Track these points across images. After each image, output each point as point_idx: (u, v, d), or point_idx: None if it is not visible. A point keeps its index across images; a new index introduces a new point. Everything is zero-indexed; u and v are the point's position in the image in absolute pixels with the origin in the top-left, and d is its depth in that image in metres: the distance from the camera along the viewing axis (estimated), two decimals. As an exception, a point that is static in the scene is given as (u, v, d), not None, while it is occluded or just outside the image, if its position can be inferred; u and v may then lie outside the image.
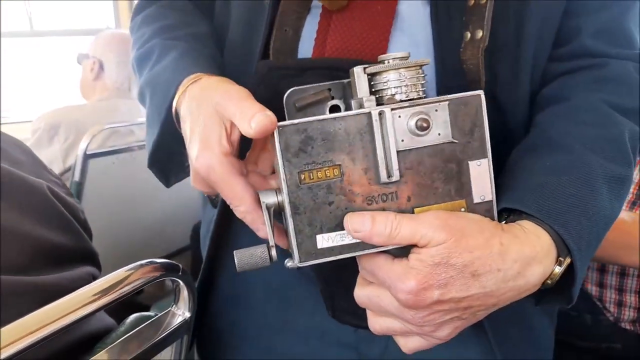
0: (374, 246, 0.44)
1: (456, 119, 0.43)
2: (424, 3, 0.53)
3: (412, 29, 0.53)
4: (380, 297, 0.45)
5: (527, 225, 0.45)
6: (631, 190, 1.04)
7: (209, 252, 0.66)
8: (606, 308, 1.11)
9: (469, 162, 0.44)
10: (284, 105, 0.50)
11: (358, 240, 0.44)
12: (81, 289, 0.43)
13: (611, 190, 0.48)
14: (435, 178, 0.44)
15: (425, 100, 0.43)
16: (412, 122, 0.42)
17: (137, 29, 0.67)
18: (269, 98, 0.49)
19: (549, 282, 0.46)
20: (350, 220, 0.43)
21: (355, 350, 0.63)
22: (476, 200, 0.45)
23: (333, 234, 0.44)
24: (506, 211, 0.47)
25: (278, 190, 0.45)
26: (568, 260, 0.45)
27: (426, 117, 0.43)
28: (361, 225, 0.42)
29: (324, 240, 0.44)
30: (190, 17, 0.66)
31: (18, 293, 0.46)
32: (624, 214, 1.00)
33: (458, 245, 0.41)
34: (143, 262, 0.48)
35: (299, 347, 0.64)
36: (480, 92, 0.44)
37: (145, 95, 0.60)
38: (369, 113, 0.43)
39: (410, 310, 0.43)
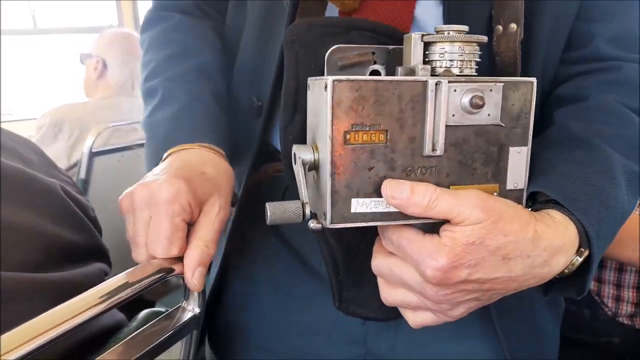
0: (405, 217, 0.43)
1: (506, 102, 0.43)
2: (437, 3, 0.54)
3: (428, 29, 0.54)
4: (403, 269, 0.45)
5: (556, 215, 0.45)
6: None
7: (225, 251, 0.66)
8: (604, 303, 1.12)
9: (510, 147, 0.44)
10: (326, 62, 0.48)
11: (391, 210, 0.43)
12: (93, 288, 0.43)
13: (629, 185, 0.49)
14: (476, 158, 0.44)
15: (483, 78, 0.42)
16: (467, 99, 0.42)
17: (144, 51, 0.69)
18: (303, 56, 0.49)
19: (566, 271, 0.46)
20: (389, 186, 0.42)
21: (363, 345, 0.63)
22: (509, 186, 0.45)
23: (368, 200, 0.42)
24: (529, 200, 0.48)
25: (315, 147, 0.44)
26: (587, 252, 0.46)
27: (482, 95, 0.42)
28: (400, 193, 0.42)
29: (358, 205, 0.42)
30: (194, 43, 0.67)
31: (35, 290, 0.48)
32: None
33: (495, 226, 0.41)
34: (153, 260, 0.49)
35: (306, 344, 0.64)
36: (534, 80, 0.44)
37: (145, 132, 0.63)
38: (426, 82, 0.41)
39: (434, 287, 0.43)
